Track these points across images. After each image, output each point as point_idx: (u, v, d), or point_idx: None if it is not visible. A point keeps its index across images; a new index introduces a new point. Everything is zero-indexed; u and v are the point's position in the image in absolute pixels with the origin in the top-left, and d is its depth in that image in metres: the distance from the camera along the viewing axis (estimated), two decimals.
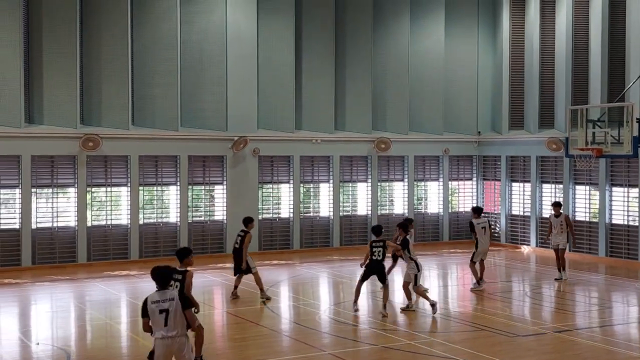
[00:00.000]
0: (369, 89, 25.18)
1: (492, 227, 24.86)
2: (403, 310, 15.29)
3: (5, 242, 20.58)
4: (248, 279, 16.68)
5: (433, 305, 14.92)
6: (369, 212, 25.56)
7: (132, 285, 18.86)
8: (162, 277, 8.89)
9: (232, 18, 23.10)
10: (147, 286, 18.51)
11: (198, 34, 22.97)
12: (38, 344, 12.86)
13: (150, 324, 8.85)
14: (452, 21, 26.43)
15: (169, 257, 22.12)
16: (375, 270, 15.01)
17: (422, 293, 15.28)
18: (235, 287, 16.61)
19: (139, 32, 22.34)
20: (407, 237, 15.39)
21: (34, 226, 20.88)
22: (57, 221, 21.33)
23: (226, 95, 23.08)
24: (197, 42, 22.96)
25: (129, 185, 22.09)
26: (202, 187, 23.44)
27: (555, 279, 18.99)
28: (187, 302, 9.04)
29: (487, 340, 13.15)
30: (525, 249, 25.02)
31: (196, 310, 10.52)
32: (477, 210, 18.48)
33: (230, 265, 17.36)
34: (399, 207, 26.24)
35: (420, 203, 26.73)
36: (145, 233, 22.35)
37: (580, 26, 23.65)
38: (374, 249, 14.98)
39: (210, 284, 18.87)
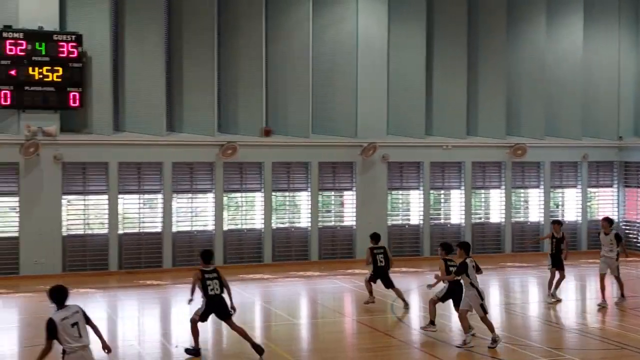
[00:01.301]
0: (503, 93, 24.61)
1: (635, 237, 23.69)
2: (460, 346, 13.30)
3: (149, 245, 21.65)
4: (380, 288, 16.68)
5: (495, 340, 13.11)
6: (503, 220, 24.98)
7: (265, 289, 19.29)
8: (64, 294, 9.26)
9: (363, 26, 23.23)
10: (281, 290, 19.16)
11: (329, 44, 23.29)
12: (177, 346, 13.38)
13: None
14: (592, 21, 25.40)
15: (300, 261, 22.66)
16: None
17: (490, 325, 13.30)
18: (371, 292, 16.54)
19: (273, 43, 22.89)
20: (467, 260, 13.33)
21: (174, 229, 21.85)
22: (195, 225, 22.23)
23: (356, 102, 23.26)
24: (329, 51, 23.28)
25: (262, 191, 22.67)
26: (332, 193, 23.71)
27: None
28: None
29: None
30: None
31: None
32: (608, 221, 17.29)
33: (359, 271, 17.43)
34: (535, 215, 25.50)
35: (556, 209, 25.86)
36: (277, 237, 22.86)
37: None
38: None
39: (340, 290, 19.03)
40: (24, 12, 20.18)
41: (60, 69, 20.20)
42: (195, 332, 12.59)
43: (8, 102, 19.87)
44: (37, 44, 20.03)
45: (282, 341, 13.92)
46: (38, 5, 20.31)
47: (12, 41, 19.86)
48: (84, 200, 21.24)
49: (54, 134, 20.32)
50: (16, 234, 20.40)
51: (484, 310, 13.22)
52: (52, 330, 9.00)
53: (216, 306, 12.44)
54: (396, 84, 23.91)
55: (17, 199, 20.40)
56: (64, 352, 9.04)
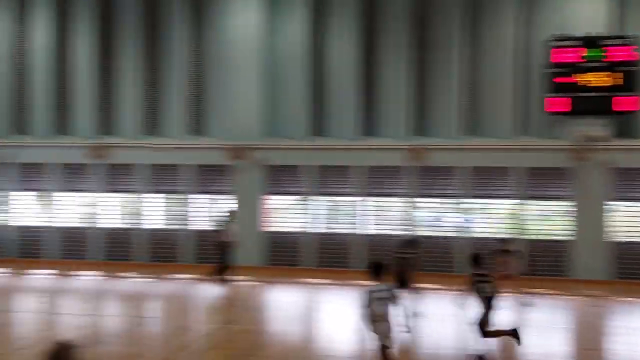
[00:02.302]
0: None
1: None
2: None
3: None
4: None
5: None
6: None
7: None
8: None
9: None
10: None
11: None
12: None
13: None
14: None
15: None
16: None
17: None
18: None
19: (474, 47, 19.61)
20: None
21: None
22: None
23: None
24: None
25: (459, 196, 20.83)
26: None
27: None
28: None
29: None
30: None
31: None
32: None
33: None
34: None
35: None
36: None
37: None
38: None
39: None
40: (575, 19, 20.61)
41: (615, 74, 19.99)
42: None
43: (568, 109, 20.37)
44: (590, 49, 20.18)
45: None
46: (590, 12, 20.54)
47: (565, 49, 20.36)
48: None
49: (605, 139, 20.22)
50: (569, 238, 20.85)
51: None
52: None
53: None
54: None
55: (569, 203, 20.83)
56: None
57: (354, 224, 21.93)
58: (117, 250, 23.11)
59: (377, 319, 9.69)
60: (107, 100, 23.43)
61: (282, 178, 22.41)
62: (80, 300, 18.36)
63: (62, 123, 23.60)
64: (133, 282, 20.41)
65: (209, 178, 22.75)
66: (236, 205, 22.06)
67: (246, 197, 22.30)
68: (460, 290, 12.39)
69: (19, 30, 23.60)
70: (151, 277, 20.76)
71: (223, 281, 19.46)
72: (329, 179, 22.09)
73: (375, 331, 9.78)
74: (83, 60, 23.34)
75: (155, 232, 22.92)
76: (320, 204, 22.26)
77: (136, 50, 23.06)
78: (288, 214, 22.58)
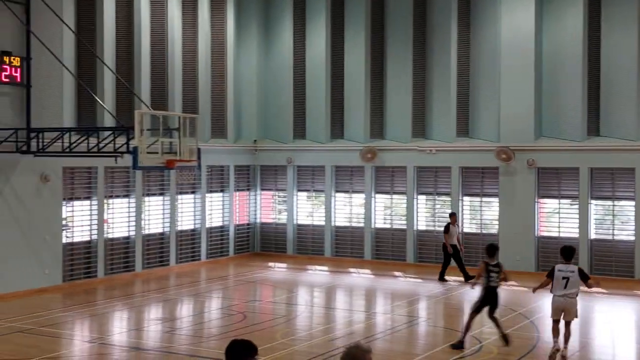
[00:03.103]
0: None
1: None
2: None
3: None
4: None
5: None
6: None
7: None
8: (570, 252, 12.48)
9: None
10: None
11: None
12: None
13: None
14: None
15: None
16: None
17: None
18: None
19: None
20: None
21: None
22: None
23: None
24: None
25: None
26: None
27: None
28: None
29: None
30: None
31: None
32: None
33: None
34: None
35: None
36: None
37: None
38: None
39: None
40: None
41: None
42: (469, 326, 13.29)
43: None
44: None
45: None
46: None
47: None
48: None
49: None
50: None
51: None
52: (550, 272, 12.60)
53: (490, 297, 13.22)
54: None
55: None
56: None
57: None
58: (385, 249, 23.74)
59: None
60: (378, 105, 24.18)
61: (554, 180, 21.60)
62: (353, 296, 19.19)
63: (336, 128, 24.77)
64: (404, 281, 20.86)
65: (475, 180, 22.58)
66: (501, 208, 21.76)
67: (516, 200, 21.79)
68: None
69: (299, 42, 25.15)
70: (417, 277, 21.07)
71: (443, 281, 20.28)
72: (599, 182, 20.96)
73: None
74: (355, 67, 24.27)
75: (421, 233, 23.21)
76: (596, 207, 21.14)
77: (406, 55, 23.53)
78: (562, 217, 21.68)
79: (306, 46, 24.97)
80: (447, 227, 20.74)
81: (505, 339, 13.18)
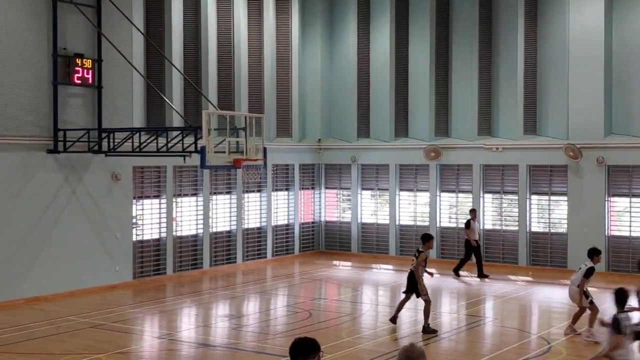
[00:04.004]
0: None
1: None
2: None
3: None
4: None
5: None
6: None
7: None
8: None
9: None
10: None
11: None
12: None
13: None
14: None
15: None
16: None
17: None
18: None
19: None
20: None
21: None
22: None
23: None
24: None
25: None
26: None
27: None
28: None
29: None
30: None
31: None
32: None
33: None
34: None
35: None
36: None
37: None
38: None
39: None
40: None
41: None
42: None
43: None
44: None
45: None
46: None
47: None
48: None
49: None
50: None
51: None
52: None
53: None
54: None
55: None
56: None
57: None
58: (451, 248, 23.55)
59: None
60: (443, 102, 24.01)
61: (624, 178, 21.08)
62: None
63: (401, 126, 24.69)
64: (470, 280, 20.68)
65: (543, 178, 22.21)
66: (570, 207, 21.34)
67: (585, 198, 21.34)
68: None
69: (363, 41, 25.15)
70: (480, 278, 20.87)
71: (457, 275, 20.94)
72: None
73: None
74: (420, 65, 24.15)
75: (487, 232, 22.93)
76: None
77: (471, 52, 23.29)
78: (633, 216, 21.13)
79: (370, 45, 24.95)
80: (467, 223, 21.13)
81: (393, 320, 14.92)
